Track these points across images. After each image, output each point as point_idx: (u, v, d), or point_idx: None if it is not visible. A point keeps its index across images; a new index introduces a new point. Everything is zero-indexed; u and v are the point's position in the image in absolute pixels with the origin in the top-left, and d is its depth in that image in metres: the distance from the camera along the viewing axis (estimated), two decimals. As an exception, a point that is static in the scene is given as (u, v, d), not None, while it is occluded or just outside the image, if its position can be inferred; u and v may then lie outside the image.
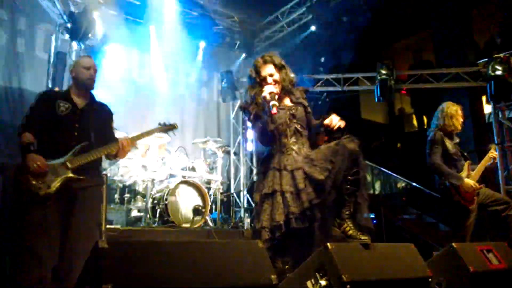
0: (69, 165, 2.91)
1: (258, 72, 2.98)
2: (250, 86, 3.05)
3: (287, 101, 3.01)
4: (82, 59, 3.30)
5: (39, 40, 6.64)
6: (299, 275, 2.14)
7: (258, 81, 2.97)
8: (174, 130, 3.69)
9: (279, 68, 2.98)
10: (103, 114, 3.33)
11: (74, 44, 6.31)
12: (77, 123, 3.07)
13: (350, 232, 2.59)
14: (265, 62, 2.98)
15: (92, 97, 3.27)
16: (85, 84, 3.19)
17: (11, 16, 6.27)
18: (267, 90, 2.80)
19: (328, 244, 2.06)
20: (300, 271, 2.17)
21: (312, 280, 2.04)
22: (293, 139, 2.90)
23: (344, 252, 2.13)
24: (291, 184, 2.70)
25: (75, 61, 3.40)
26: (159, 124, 3.62)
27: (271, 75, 2.94)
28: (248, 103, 3.00)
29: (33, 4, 6.29)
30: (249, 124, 3.05)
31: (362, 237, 2.48)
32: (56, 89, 3.49)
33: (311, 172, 2.68)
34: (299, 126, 2.93)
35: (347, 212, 2.67)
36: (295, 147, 2.87)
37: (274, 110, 2.73)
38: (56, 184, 2.84)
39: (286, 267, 2.63)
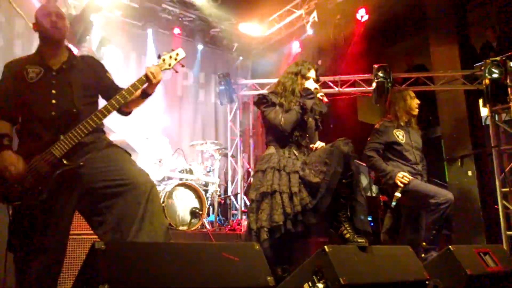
0: (56, 153, 2.28)
1: (308, 70, 3.11)
2: (292, 77, 3.11)
3: None
4: (40, 6, 2.60)
5: (37, 42, 6.57)
6: (296, 278, 2.14)
7: (301, 77, 3.09)
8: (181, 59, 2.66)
9: (317, 79, 3.16)
10: (90, 67, 2.61)
11: (72, 46, 6.31)
12: (53, 88, 2.41)
13: (347, 235, 2.60)
14: (313, 67, 3.14)
15: (69, 52, 2.60)
16: (50, 36, 2.50)
17: (8, 19, 6.27)
18: (312, 85, 3.05)
19: (326, 246, 2.07)
20: (297, 273, 2.17)
21: (310, 283, 2.04)
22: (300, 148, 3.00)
23: (341, 254, 2.13)
24: (287, 186, 2.72)
25: (35, 12, 2.56)
26: (159, 56, 2.64)
27: (313, 79, 3.11)
28: (272, 93, 3.11)
29: (31, 7, 6.28)
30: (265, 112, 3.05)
31: (359, 240, 2.49)
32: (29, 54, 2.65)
33: (305, 175, 2.70)
34: (307, 136, 3.06)
35: (344, 216, 2.68)
36: (296, 153, 2.93)
37: (325, 99, 3.03)
38: (45, 188, 2.26)
39: (286, 274, 2.63)
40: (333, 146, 2.69)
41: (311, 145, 2.97)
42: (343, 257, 2.13)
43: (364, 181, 6.97)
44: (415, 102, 4.14)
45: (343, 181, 2.66)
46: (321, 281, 2.00)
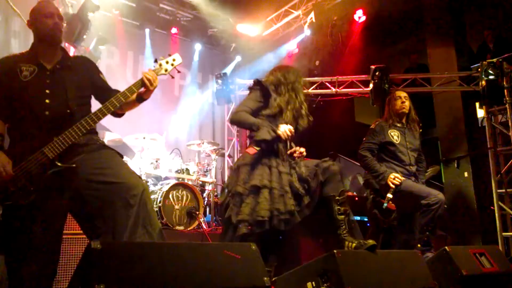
0: (49, 154, 2.24)
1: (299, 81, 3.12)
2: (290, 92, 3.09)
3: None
4: (40, 4, 2.51)
5: (33, 41, 6.59)
6: (299, 275, 2.14)
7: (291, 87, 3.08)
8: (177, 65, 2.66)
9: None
10: (83, 68, 2.57)
11: (69, 45, 6.29)
12: (47, 88, 2.36)
13: (353, 245, 2.55)
14: (304, 84, 3.23)
15: (63, 52, 2.54)
16: (49, 37, 2.44)
17: (5, 17, 6.25)
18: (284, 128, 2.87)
19: (335, 251, 2.05)
20: (300, 271, 2.16)
21: (313, 283, 2.04)
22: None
23: (350, 260, 2.12)
24: (279, 183, 2.74)
25: (32, 9, 2.50)
26: (155, 60, 2.63)
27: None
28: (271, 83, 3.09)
29: (28, 5, 6.26)
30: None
31: (367, 242, 2.43)
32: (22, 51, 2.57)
33: (292, 182, 2.78)
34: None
35: (344, 232, 2.66)
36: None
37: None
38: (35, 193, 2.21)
39: (271, 269, 2.63)
40: (317, 167, 2.80)
41: (289, 151, 2.94)
42: (351, 263, 2.11)
43: (361, 180, 6.96)
44: (399, 102, 4.14)
45: (337, 198, 2.71)
46: (326, 285, 1.99)
